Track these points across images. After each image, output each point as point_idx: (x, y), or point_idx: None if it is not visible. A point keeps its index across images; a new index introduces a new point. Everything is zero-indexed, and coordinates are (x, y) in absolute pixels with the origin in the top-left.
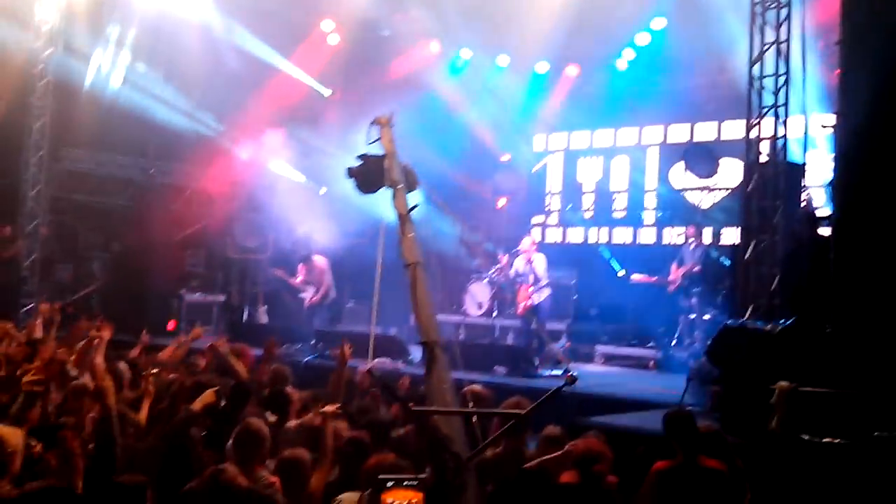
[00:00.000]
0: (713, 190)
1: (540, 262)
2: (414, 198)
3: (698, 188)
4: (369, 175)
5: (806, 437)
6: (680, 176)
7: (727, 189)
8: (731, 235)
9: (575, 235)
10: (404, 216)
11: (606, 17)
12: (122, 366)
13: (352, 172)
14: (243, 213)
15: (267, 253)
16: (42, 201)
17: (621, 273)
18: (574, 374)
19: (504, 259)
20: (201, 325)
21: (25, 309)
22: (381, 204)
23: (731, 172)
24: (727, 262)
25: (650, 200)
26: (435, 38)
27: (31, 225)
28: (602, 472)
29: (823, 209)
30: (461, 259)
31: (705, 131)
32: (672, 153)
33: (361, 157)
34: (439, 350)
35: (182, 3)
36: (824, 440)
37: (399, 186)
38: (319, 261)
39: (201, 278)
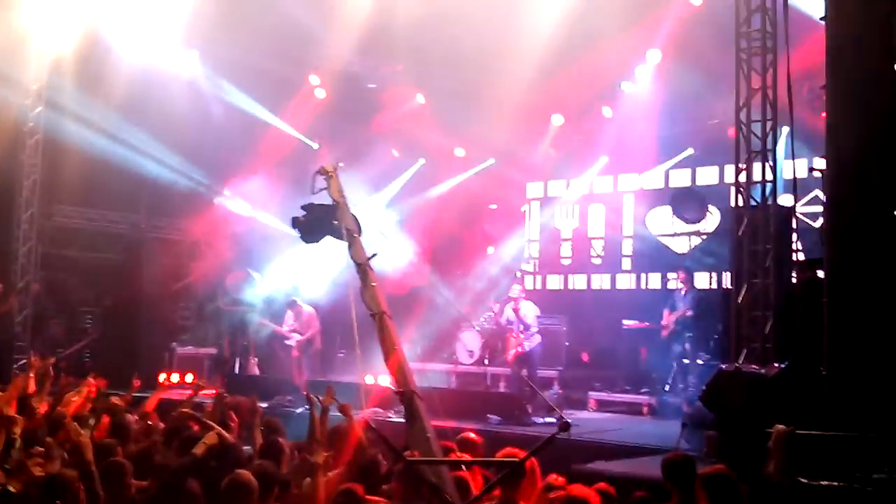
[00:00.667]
0: (690, 235)
1: (528, 310)
2: (372, 246)
3: (675, 234)
4: (314, 224)
5: (803, 481)
6: (657, 221)
7: (704, 234)
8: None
9: (561, 282)
10: (364, 265)
11: (592, 65)
12: (131, 418)
13: (297, 222)
14: (234, 266)
15: (257, 305)
16: (33, 258)
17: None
18: (568, 420)
19: (496, 307)
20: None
21: (18, 365)
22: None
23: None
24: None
25: (627, 247)
26: (420, 90)
27: (23, 281)
28: None
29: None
30: (452, 308)
31: (680, 177)
32: (649, 199)
33: (306, 206)
34: (417, 399)
35: (169, 59)
36: (822, 483)
37: (355, 235)
38: (307, 308)
39: (192, 331)
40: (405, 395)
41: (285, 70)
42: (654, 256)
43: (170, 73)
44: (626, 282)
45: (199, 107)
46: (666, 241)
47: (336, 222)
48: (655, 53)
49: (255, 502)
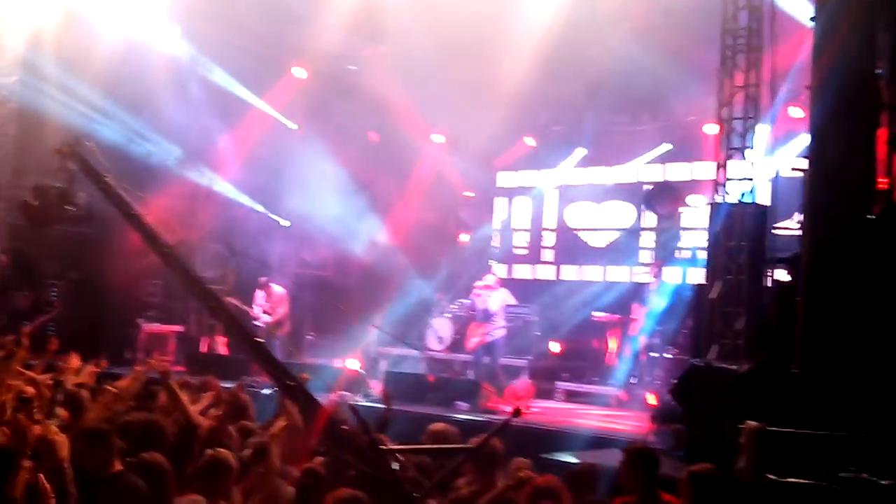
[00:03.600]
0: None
1: (496, 299)
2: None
3: (594, 228)
4: (47, 209)
5: (772, 477)
6: (575, 215)
7: (620, 229)
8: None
9: (541, 272)
10: (168, 251)
11: (574, 57)
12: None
13: (26, 206)
14: (204, 244)
15: (227, 284)
16: (1, 228)
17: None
18: (521, 407)
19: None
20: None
21: None
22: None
23: (624, 213)
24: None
25: (549, 239)
26: (401, 75)
27: None
28: None
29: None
30: (422, 294)
31: (653, 172)
32: (573, 194)
33: (38, 188)
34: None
35: (149, 33)
36: (790, 480)
37: (140, 218)
38: (278, 290)
39: (159, 308)
40: (296, 387)
41: (267, 48)
42: (572, 249)
43: (149, 46)
44: (546, 272)
45: (177, 82)
46: (583, 235)
47: (72, 207)
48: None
49: (233, 482)
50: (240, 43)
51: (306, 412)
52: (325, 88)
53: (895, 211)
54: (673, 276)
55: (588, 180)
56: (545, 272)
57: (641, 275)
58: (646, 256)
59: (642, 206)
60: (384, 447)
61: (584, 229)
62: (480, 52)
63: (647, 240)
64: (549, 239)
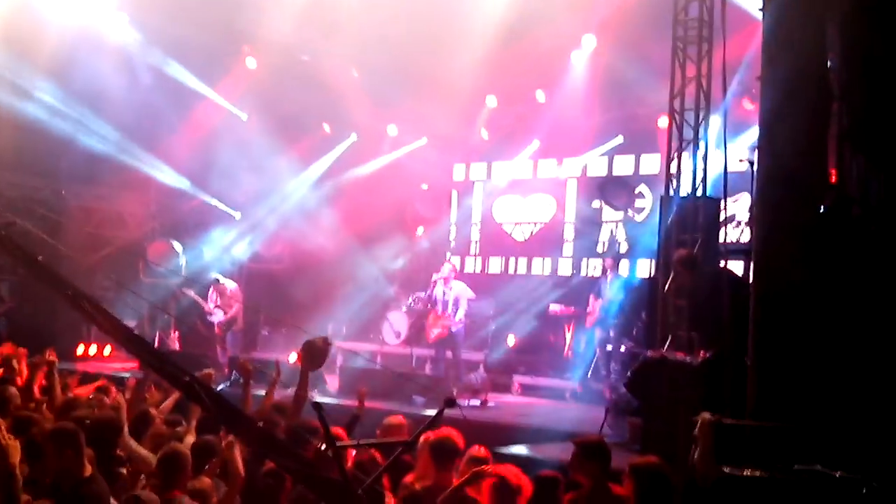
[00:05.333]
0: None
1: (460, 290)
2: None
3: (516, 222)
4: None
5: (727, 470)
6: (502, 210)
7: (540, 223)
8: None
9: (495, 265)
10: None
11: (528, 49)
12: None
13: None
14: (156, 237)
15: (180, 278)
16: None
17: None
18: (453, 397)
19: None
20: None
21: None
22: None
23: (544, 207)
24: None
25: (475, 233)
26: (354, 65)
27: None
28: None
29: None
30: (379, 287)
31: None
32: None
33: None
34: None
35: (98, 23)
36: (745, 473)
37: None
38: (231, 285)
39: (112, 302)
40: (193, 384)
41: (217, 38)
42: (496, 242)
43: (98, 36)
44: (473, 265)
45: (126, 72)
46: (508, 228)
47: None
48: (591, 39)
49: (189, 474)
50: (190, 32)
51: (214, 411)
52: (277, 79)
53: (846, 203)
54: (627, 269)
55: (538, 174)
56: (470, 265)
57: (595, 268)
58: (569, 249)
59: (599, 198)
60: (326, 445)
61: (510, 223)
62: (434, 44)
63: (570, 233)
64: (476, 233)
